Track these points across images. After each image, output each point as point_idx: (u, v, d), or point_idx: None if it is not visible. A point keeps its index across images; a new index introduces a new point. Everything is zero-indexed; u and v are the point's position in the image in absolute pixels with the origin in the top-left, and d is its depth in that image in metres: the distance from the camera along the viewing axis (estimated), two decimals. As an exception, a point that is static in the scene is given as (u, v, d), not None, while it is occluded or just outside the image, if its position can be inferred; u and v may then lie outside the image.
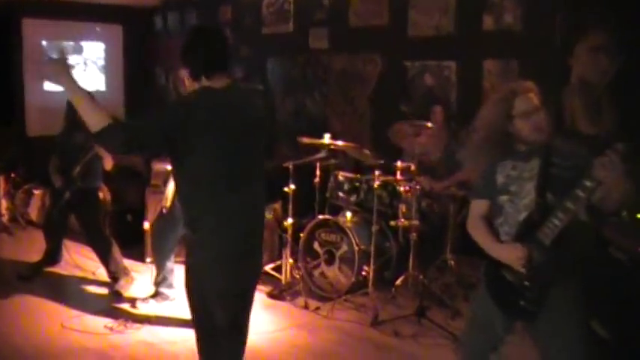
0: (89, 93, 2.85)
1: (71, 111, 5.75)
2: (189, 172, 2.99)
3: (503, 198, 2.97)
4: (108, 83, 10.63)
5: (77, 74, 2.69)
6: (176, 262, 5.41)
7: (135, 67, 10.82)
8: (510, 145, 2.93)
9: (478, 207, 3.13)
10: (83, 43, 10.31)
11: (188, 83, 3.11)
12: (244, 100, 3.18)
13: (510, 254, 2.87)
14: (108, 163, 5.56)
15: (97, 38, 10.49)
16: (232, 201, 3.01)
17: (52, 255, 6.13)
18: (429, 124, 5.34)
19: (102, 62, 10.55)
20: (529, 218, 2.86)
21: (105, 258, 5.71)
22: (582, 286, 2.87)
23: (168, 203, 4.80)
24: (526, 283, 2.86)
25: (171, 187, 4.76)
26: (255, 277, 3.26)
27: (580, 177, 2.67)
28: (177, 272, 5.41)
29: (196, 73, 3.03)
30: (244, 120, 3.06)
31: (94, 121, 2.76)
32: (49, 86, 9.90)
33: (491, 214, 3.07)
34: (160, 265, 5.26)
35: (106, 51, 10.58)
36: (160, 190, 4.93)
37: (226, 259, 3.05)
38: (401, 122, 5.64)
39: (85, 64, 10.33)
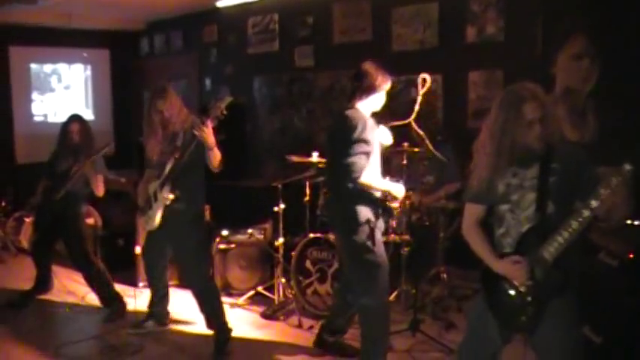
0: None
1: (63, 137, 5.75)
2: None
3: (504, 207, 2.94)
4: (96, 109, 10.66)
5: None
6: (171, 285, 5.40)
7: (122, 91, 10.85)
8: (515, 152, 2.85)
9: (474, 211, 3.10)
10: (70, 68, 10.37)
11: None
12: (341, 118, 4.19)
13: (513, 271, 2.86)
14: (100, 190, 5.55)
15: (85, 63, 10.53)
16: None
17: (43, 282, 6.09)
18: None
19: (89, 87, 10.59)
20: (531, 233, 2.84)
21: (93, 283, 5.68)
22: (575, 293, 2.87)
23: (156, 225, 4.78)
24: (528, 298, 2.85)
25: (158, 215, 4.75)
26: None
27: (578, 185, 2.68)
28: (172, 295, 5.41)
29: None
30: (332, 133, 4.35)
31: None
32: (37, 114, 9.96)
33: (489, 221, 3.04)
34: (153, 288, 5.25)
35: (94, 75, 10.61)
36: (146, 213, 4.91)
37: None
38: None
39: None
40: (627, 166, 2.50)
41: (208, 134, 4.39)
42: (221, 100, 4.46)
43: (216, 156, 4.53)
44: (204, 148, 4.46)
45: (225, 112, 4.42)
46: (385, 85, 4.33)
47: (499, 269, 2.92)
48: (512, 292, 2.91)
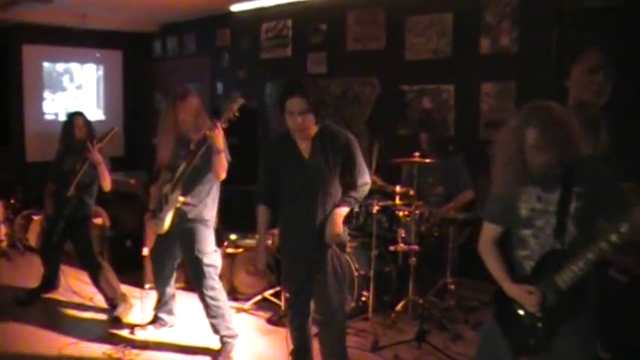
0: None
1: (66, 135, 5.77)
2: None
3: (527, 232, 2.88)
4: (107, 110, 10.69)
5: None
6: (176, 288, 5.38)
7: (134, 92, 10.89)
8: (527, 172, 2.80)
9: (491, 231, 3.05)
10: (82, 68, 10.41)
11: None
12: None
13: (526, 298, 2.82)
14: (107, 182, 5.54)
15: (97, 63, 10.57)
16: None
17: (50, 281, 6.10)
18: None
19: (101, 88, 10.63)
20: (550, 257, 2.79)
21: (99, 284, 5.68)
22: (590, 316, 2.84)
23: (166, 227, 4.77)
24: (539, 324, 2.82)
25: (168, 217, 4.74)
26: None
27: (601, 204, 2.64)
28: (178, 298, 5.40)
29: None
30: None
31: None
32: (49, 112, 9.99)
33: (510, 243, 2.98)
34: (160, 291, 5.24)
35: (106, 76, 10.65)
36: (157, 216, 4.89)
37: None
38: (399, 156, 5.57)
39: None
40: None
41: (218, 137, 4.37)
42: (233, 101, 4.43)
43: (221, 162, 4.47)
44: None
45: (237, 114, 4.39)
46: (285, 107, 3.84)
47: (512, 293, 2.89)
48: (523, 315, 2.88)
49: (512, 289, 2.89)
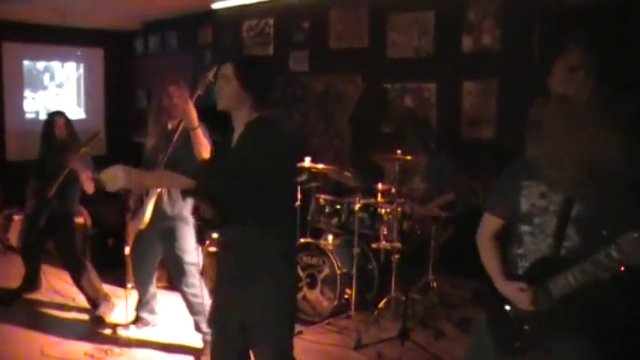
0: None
1: (47, 135, 5.73)
2: None
3: (525, 228, 2.70)
4: (87, 108, 10.62)
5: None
6: (158, 287, 5.36)
7: (115, 91, 10.83)
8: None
9: (491, 223, 2.87)
10: (63, 66, 10.33)
11: None
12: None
13: (518, 295, 2.65)
14: (89, 187, 5.51)
15: (78, 61, 10.50)
16: None
17: (31, 281, 6.05)
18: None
19: (82, 86, 10.56)
20: (547, 261, 2.61)
21: (81, 284, 5.63)
22: (595, 342, 2.57)
23: (146, 221, 4.72)
24: (525, 326, 2.68)
25: (149, 209, 4.69)
26: None
27: (606, 215, 2.45)
28: (160, 298, 5.38)
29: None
30: None
31: None
32: (29, 111, 9.92)
33: (507, 238, 2.82)
34: (141, 290, 5.21)
35: (87, 74, 10.58)
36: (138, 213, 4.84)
37: None
38: (381, 154, 5.55)
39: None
40: None
41: (190, 111, 4.31)
42: (209, 70, 4.39)
43: (198, 139, 4.33)
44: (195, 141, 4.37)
45: (212, 80, 4.33)
46: None
47: (503, 290, 2.74)
48: (511, 315, 2.74)
49: (504, 287, 2.74)
